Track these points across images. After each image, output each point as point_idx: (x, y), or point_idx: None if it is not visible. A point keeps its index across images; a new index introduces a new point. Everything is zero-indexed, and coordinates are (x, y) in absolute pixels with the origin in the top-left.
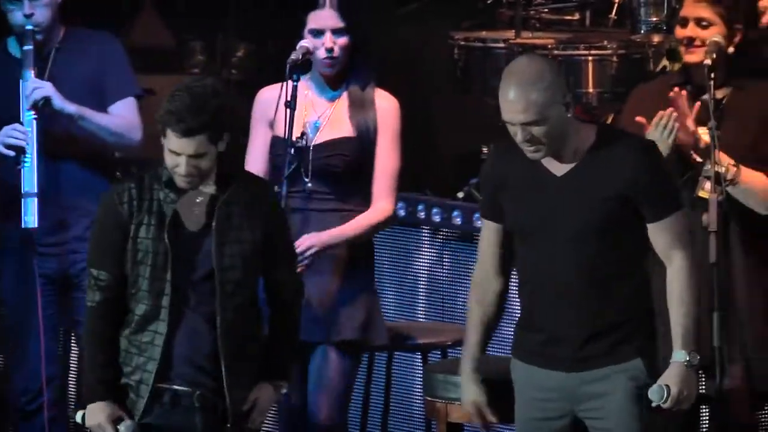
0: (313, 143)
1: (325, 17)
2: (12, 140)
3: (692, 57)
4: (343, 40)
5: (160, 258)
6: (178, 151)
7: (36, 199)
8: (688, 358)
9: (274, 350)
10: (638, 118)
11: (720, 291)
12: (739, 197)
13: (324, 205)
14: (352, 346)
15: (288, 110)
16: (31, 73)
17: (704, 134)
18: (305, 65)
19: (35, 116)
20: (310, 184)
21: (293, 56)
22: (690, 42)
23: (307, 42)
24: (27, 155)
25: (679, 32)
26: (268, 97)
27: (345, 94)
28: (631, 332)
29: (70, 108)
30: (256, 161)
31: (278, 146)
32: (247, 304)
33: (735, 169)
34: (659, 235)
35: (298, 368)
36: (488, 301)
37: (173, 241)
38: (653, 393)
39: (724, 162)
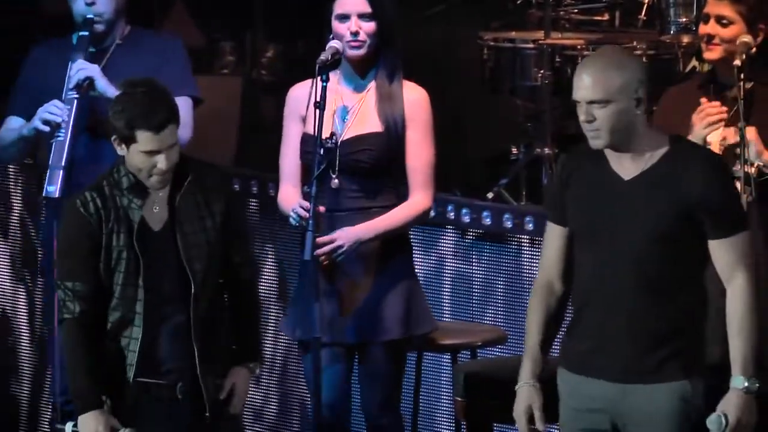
0: (340, 139)
1: (351, 2)
2: (49, 115)
3: (711, 54)
4: (369, 25)
5: (131, 264)
6: (156, 149)
7: (62, 172)
8: (746, 385)
9: (241, 333)
10: None
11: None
12: None
13: (352, 203)
14: (400, 344)
15: (317, 110)
16: (80, 58)
17: (731, 134)
18: (334, 65)
19: (77, 95)
20: (336, 181)
21: (322, 56)
22: (710, 39)
23: (335, 42)
24: (61, 130)
25: (701, 29)
26: (299, 94)
27: (373, 87)
28: (681, 350)
29: (113, 92)
30: (290, 157)
31: (308, 143)
32: (216, 291)
33: None
34: (722, 253)
35: (339, 371)
36: (550, 305)
37: (142, 246)
38: (711, 422)
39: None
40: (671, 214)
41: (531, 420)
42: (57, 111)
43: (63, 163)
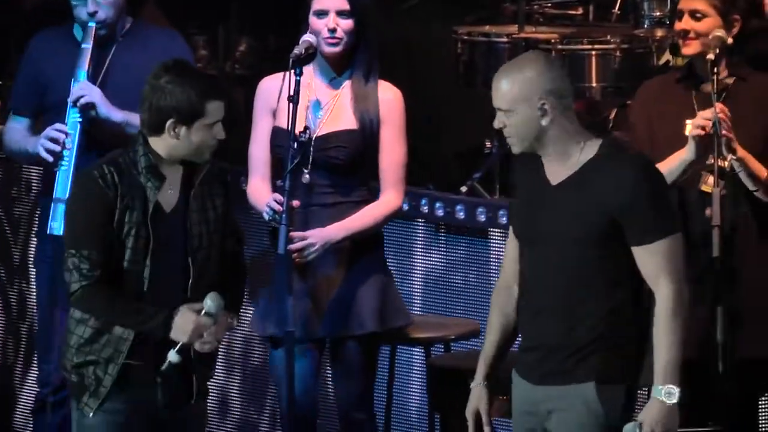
0: (314, 135)
1: None
2: (51, 145)
3: (688, 49)
4: (347, 23)
5: (141, 242)
6: (219, 118)
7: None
8: (663, 395)
9: (232, 288)
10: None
11: (724, 286)
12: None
13: (324, 198)
14: (374, 337)
15: (291, 105)
16: (84, 73)
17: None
18: (308, 59)
19: (80, 119)
20: (308, 176)
21: (296, 51)
22: (685, 34)
23: (309, 36)
24: (64, 160)
25: (677, 25)
26: (270, 86)
27: (348, 85)
28: (595, 354)
29: (117, 116)
30: (259, 149)
31: (279, 137)
32: (215, 279)
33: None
34: (645, 260)
35: (308, 367)
36: (508, 308)
37: (155, 225)
38: (626, 430)
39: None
40: (594, 219)
41: (480, 420)
42: (60, 137)
43: (67, 197)
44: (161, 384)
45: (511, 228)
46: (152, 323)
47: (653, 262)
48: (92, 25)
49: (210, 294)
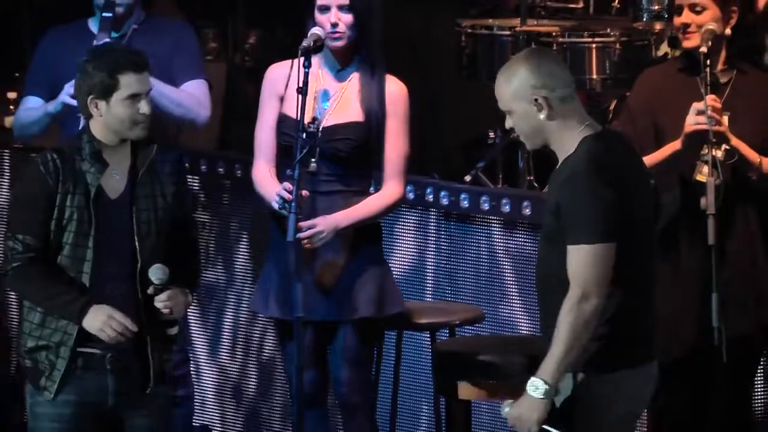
0: (321, 126)
1: None
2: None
3: (689, 42)
4: (348, 17)
5: (84, 226)
6: (138, 91)
7: None
8: (529, 386)
9: (183, 267)
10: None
11: (719, 272)
12: None
13: (330, 186)
14: (370, 322)
15: (300, 95)
16: (105, 38)
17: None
18: (317, 51)
19: None
20: (314, 166)
21: (305, 43)
22: (685, 28)
23: (317, 29)
24: None
25: (676, 20)
26: (278, 74)
27: (354, 77)
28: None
29: None
30: (265, 134)
31: (287, 124)
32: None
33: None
34: (568, 258)
35: (315, 349)
36: None
37: (96, 210)
38: (504, 404)
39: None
40: (550, 215)
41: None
42: None
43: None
44: (112, 370)
45: None
46: (67, 309)
47: (570, 263)
48: (107, 15)
49: (153, 266)
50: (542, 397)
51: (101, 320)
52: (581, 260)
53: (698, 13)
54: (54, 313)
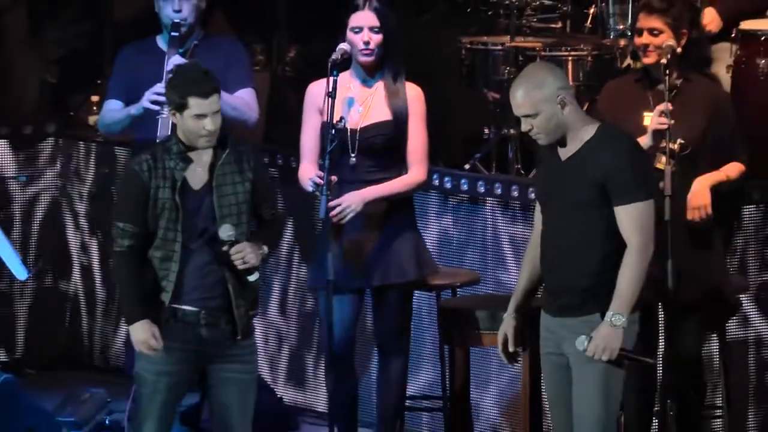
0: (359, 127)
1: (364, 17)
2: (156, 96)
3: (648, 59)
4: (377, 37)
5: (173, 213)
6: (204, 113)
7: None
8: (612, 319)
9: (262, 229)
10: None
11: (673, 243)
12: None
13: (370, 176)
14: (410, 284)
15: (329, 99)
16: (174, 55)
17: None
18: (343, 63)
19: None
20: (353, 160)
21: (333, 56)
22: (645, 48)
23: (344, 45)
24: (164, 108)
25: (637, 40)
26: (316, 91)
27: (381, 86)
28: (597, 292)
29: None
30: (308, 140)
31: (325, 129)
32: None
33: None
34: (621, 218)
35: (349, 312)
36: (535, 261)
37: (182, 200)
38: (578, 342)
39: None
40: (588, 184)
41: (508, 344)
42: (162, 91)
43: (168, 132)
44: (204, 325)
45: (536, 195)
46: (128, 310)
47: (627, 219)
48: (177, 20)
49: (221, 227)
50: (622, 327)
51: (143, 337)
52: (638, 216)
53: (656, 35)
54: (120, 304)
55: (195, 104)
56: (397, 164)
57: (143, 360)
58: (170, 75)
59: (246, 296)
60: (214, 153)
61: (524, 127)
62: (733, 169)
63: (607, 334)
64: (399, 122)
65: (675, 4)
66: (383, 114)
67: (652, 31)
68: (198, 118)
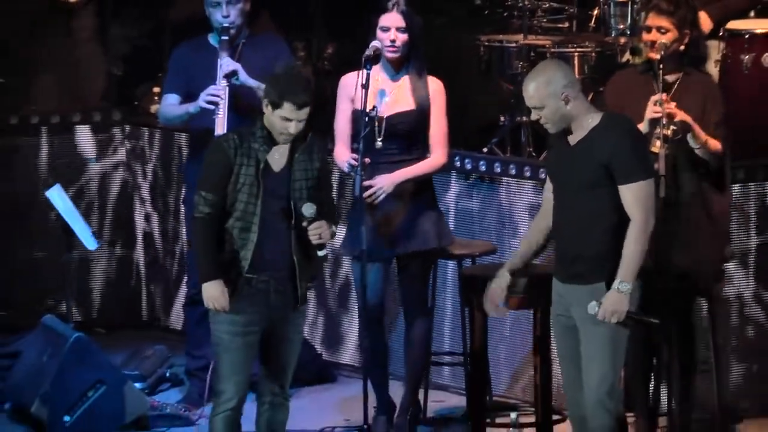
0: (386, 115)
1: (391, 18)
2: (211, 97)
3: (655, 55)
4: (403, 36)
5: (254, 189)
6: (291, 118)
7: None
8: (619, 286)
9: (329, 212)
10: None
11: (665, 217)
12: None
13: (395, 158)
14: (430, 253)
15: (364, 90)
16: (225, 55)
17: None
18: (375, 58)
19: (227, 84)
20: (380, 144)
21: (367, 52)
22: (653, 44)
23: (376, 42)
24: (219, 108)
25: (645, 36)
26: (349, 81)
27: (406, 79)
28: (603, 263)
29: (251, 82)
30: (341, 125)
31: (357, 116)
32: (320, 220)
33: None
34: (624, 195)
35: (380, 278)
36: (538, 231)
37: (263, 179)
38: (590, 307)
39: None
40: (594, 166)
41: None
42: (216, 93)
43: (224, 131)
44: (273, 292)
45: (548, 175)
46: (204, 269)
47: (630, 197)
48: (226, 24)
49: (305, 204)
50: (628, 293)
51: (215, 294)
52: (641, 193)
53: (663, 33)
54: (197, 264)
55: (288, 109)
56: (419, 148)
57: (219, 323)
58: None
59: (309, 268)
60: (293, 142)
61: (534, 117)
62: (714, 143)
63: (615, 299)
64: (421, 111)
65: (681, 7)
66: (407, 104)
67: (660, 29)
68: (285, 120)
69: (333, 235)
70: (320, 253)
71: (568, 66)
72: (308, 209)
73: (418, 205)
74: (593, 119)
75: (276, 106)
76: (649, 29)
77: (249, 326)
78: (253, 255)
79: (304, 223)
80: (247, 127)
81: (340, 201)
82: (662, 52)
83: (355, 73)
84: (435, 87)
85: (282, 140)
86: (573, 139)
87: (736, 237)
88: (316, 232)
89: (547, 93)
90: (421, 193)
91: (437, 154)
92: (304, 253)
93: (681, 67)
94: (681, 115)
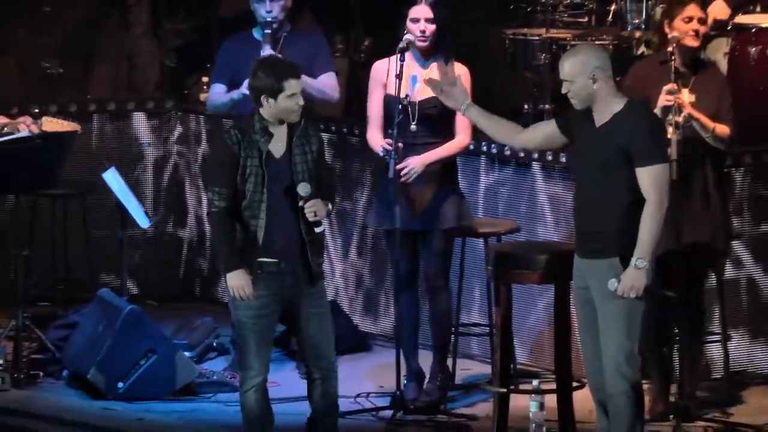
0: (418, 100)
1: (421, 10)
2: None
3: (694, 42)
4: (431, 27)
5: (259, 178)
6: (296, 91)
7: None
8: (636, 262)
9: (325, 190)
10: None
11: (678, 200)
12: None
13: (426, 140)
14: (451, 231)
15: (397, 80)
16: (268, 48)
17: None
18: (408, 50)
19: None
20: (414, 127)
21: (401, 45)
22: (696, 33)
23: (409, 36)
24: None
25: (685, 27)
26: (380, 67)
27: (434, 66)
28: (619, 238)
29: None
30: (374, 109)
31: (389, 101)
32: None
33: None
34: (641, 177)
35: (410, 251)
36: (510, 129)
37: (266, 166)
38: (610, 284)
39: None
40: (613, 149)
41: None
42: None
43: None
44: (285, 273)
45: (553, 121)
46: (225, 260)
47: (646, 179)
48: (269, 19)
49: (300, 184)
50: (645, 269)
51: (240, 283)
52: (657, 176)
53: (702, 24)
54: (219, 255)
55: (291, 84)
56: (447, 131)
57: (239, 308)
58: (260, 69)
59: (318, 247)
60: (289, 128)
61: (564, 89)
62: (722, 128)
63: (634, 275)
64: None
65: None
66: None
67: (700, 20)
68: (292, 97)
69: (329, 212)
70: (317, 230)
71: (605, 53)
72: (303, 188)
73: (443, 186)
74: (617, 104)
75: (279, 90)
76: (689, 20)
77: (265, 308)
78: (263, 240)
79: (301, 202)
80: (245, 120)
81: (375, 180)
82: (674, 44)
83: (387, 59)
84: (461, 71)
85: (295, 118)
86: (598, 121)
87: (744, 218)
88: (311, 209)
89: (578, 70)
90: (445, 175)
91: (462, 136)
92: (311, 233)
93: (699, 60)
94: (688, 108)
